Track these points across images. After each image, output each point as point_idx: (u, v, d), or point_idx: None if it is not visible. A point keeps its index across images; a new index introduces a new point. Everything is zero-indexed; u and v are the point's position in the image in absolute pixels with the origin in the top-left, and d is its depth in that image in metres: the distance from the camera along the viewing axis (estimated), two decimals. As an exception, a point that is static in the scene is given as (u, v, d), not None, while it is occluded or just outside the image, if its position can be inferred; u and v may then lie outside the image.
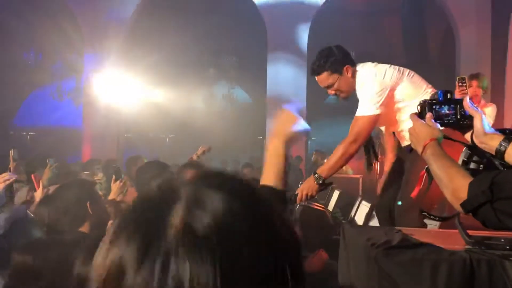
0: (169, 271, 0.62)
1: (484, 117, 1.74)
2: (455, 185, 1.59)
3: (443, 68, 12.98)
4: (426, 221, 2.98)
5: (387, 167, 3.83)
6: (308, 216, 4.68)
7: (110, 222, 3.20)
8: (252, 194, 0.73)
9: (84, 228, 2.86)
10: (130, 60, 12.18)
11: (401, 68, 3.34)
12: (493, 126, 1.90)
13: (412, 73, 3.35)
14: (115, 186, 4.17)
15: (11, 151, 4.52)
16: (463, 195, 1.53)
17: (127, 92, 12.33)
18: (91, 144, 12.30)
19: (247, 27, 13.21)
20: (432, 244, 1.91)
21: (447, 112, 1.86)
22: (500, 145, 1.63)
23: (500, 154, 1.63)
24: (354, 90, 3.39)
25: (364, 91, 3.27)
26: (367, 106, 3.21)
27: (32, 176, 4.06)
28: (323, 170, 3.27)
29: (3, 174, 2.90)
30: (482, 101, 5.80)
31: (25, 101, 15.27)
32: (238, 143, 13.37)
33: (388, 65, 3.36)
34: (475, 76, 5.77)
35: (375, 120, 3.24)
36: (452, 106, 1.86)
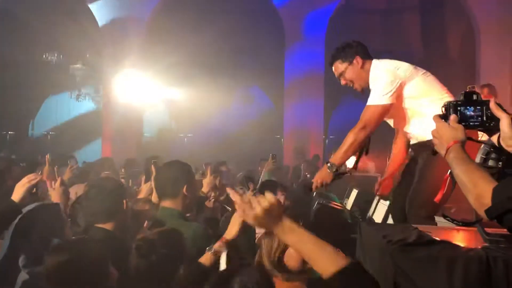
0: None
1: None
2: (478, 191, 1.55)
3: (463, 67, 12.82)
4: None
5: (393, 167, 3.86)
6: (326, 215, 4.69)
7: (146, 222, 3.27)
8: None
9: (108, 226, 2.92)
10: (149, 60, 12.28)
11: (418, 67, 3.38)
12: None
13: (429, 73, 3.37)
14: (146, 186, 4.23)
15: (47, 156, 4.70)
16: (487, 201, 1.49)
17: (146, 92, 12.43)
18: (111, 144, 12.43)
19: (265, 26, 13.22)
20: (448, 242, 1.91)
21: (472, 113, 1.78)
22: None
23: None
24: (366, 82, 3.45)
25: (377, 81, 3.33)
26: (378, 96, 3.27)
27: (45, 174, 4.15)
28: (335, 159, 3.36)
29: (30, 175, 2.96)
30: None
31: (46, 101, 15.48)
32: (256, 142, 13.37)
33: (404, 62, 3.40)
34: (486, 86, 6.33)
35: (386, 110, 3.29)
36: (478, 107, 1.79)
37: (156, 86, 12.67)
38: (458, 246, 1.87)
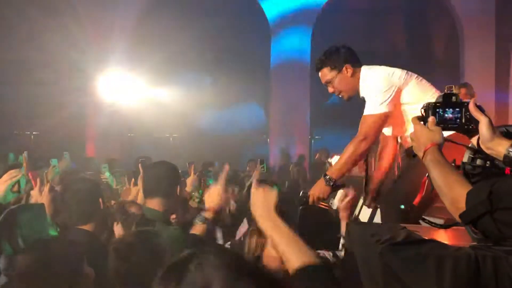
0: None
1: (491, 122, 1.67)
2: (454, 194, 1.54)
3: (448, 67, 12.94)
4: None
5: (380, 176, 3.70)
6: (312, 215, 4.67)
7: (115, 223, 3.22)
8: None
9: (88, 227, 2.87)
10: (134, 59, 12.20)
11: (410, 72, 3.31)
12: (496, 121, 1.86)
13: (421, 77, 3.31)
14: (135, 189, 4.15)
15: (24, 153, 4.61)
16: (462, 205, 1.48)
17: (131, 92, 12.34)
18: (95, 143, 12.32)
19: (250, 25, 13.20)
20: (437, 241, 1.90)
21: (451, 115, 1.78)
22: (508, 151, 1.57)
23: (508, 160, 1.57)
24: (355, 90, 3.36)
25: (371, 90, 3.23)
26: (375, 105, 3.16)
27: (30, 174, 4.07)
28: (333, 172, 3.23)
29: (11, 171, 2.92)
30: None
31: (29, 100, 15.28)
32: (242, 142, 13.36)
33: (395, 68, 3.33)
34: (463, 85, 6.36)
35: (384, 119, 3.19)
36: (457, 109, 1.78)
37: (140, 85, 12.58)
38: (446, 245, 1.86)
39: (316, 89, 11.64)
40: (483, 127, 1.66)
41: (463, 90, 6.21)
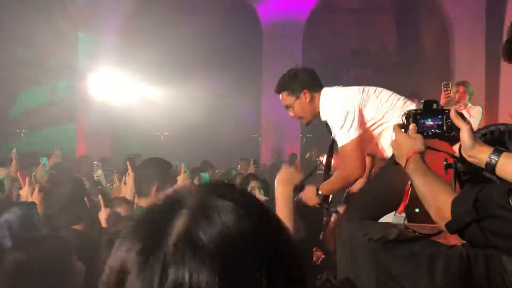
0: (168, 278, 0.62)
1: (472, 129, 1.66)
2: (438, 204, 1.52)
3: (438, 65, 13.00)
4: None
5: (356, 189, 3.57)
6: (302, 213, 4.68)
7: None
8: (259, 210, 0.72)
9: (79, 227, 2.86)
10: (125, 58, 12.14)
11: (367, 88, 3.20)
12: (486, 121, 1.86)
13: (380, 89, 3.21)
14: (125, 188, 4.12)
15: (13, 151, 4.59)
16: (447, 214, 1.45)
17: (122, 90, 12.29)
18: (86, 142, 12.26)
19: (242, 25, 13.19)
20: (429, 239, 1.91)
21: (432, 123, 1.76)
22: (490, 158, 1.54)
23: (490, 167, 1.54)
24: (314, 116, 3.31)
25: (333, 119, 3.14)
26: (344, 134, 3.06)
27: (19, 173, 4.04)
28: (324, 189, 3.16)
29: None
30: (469, 104, 6.35)
31: (20, 98, 15.17)
32: (233, 141, 13.34)
33: (353, 87, 3.25)
34: (461, 83, 6.36)
35: (358, 142, 3.06)
36: (439, 116, 1.76)
37: (132, 84, 12.53)
38: (439, 243, 1.87)
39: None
40: (464, 134, 1.64)
41: (461, 88, 6.23)
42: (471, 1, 11.69)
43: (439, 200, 1.51)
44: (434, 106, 1.80)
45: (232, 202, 0.69)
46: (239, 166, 8.15)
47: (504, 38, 1.72)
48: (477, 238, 1.38)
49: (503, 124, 1.80)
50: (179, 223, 0.66)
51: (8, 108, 15.25)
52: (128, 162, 4.16)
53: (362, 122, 3.09)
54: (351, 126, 3.04)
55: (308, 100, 3.27)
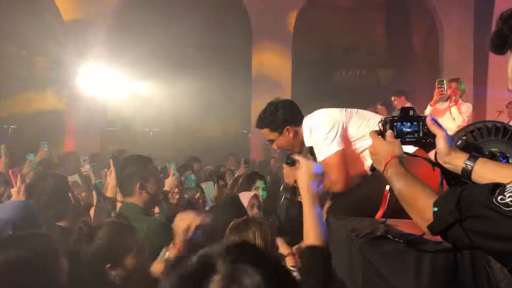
0: None
1: (448, 135, 1.67)
2: (419, 206, 1.50)
3: (427, 63, 13.07)
4: None
5: None
6: (294, 209, 4.68)
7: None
8: (281, 273, 0.80)
9: (63, 223, 2.84)
10: (114, 53, 12.06)
11: (349, 109, 3.23)
12: (475, 117, 1.87)
13: (362, 110, 3.25)
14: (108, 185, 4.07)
15: (2, 147, 4.55)
16: (429, 215, 1.43)
17: (111, 85, 12.21)
18: (74, 137, 12.17)
19: (232, 21, 13.15)
20: (416, 235, 1.92)
21: (409, 129, 1.78)
22: (466, 164, 1.55)
23: (466, 173, 1.55)
24: (300, 145, 3.30)
25: (315, 136, 3.14)
26: (326, 147, 3.06)
27: (10, 171, 3.99)
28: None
29: None
30: (460, 101, 6.54)
31: (7, 94, 15.02)
32: (223, 137, 13.32)
33: (334, 108, 3.26)
34: (454, 80, 6.57)
35: (341, 155, 3.04)
36: (415, 123, 1.78)
37: (121, 79, 12.45)
38: (425, 239, 1.87)
39: (297, 85, 11.66)
40: (440, 141, 1.65)
41: (453, 84, 6.43)
42: (460, 1, 11.76)
43: (420, 202, 1.50)
44: (411, 112, 1.82)
45: (260, 269, 0.76)
46: (227, 162, 8.14)
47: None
48: (461, 239, 1.36)
49: (491, 121, 1.81)
50: None
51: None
52: (111, 160, 4.10)
53: (345, 137, 3.09)
54: (333, 139, 3.04)
55: (292, 135, 3.29)
